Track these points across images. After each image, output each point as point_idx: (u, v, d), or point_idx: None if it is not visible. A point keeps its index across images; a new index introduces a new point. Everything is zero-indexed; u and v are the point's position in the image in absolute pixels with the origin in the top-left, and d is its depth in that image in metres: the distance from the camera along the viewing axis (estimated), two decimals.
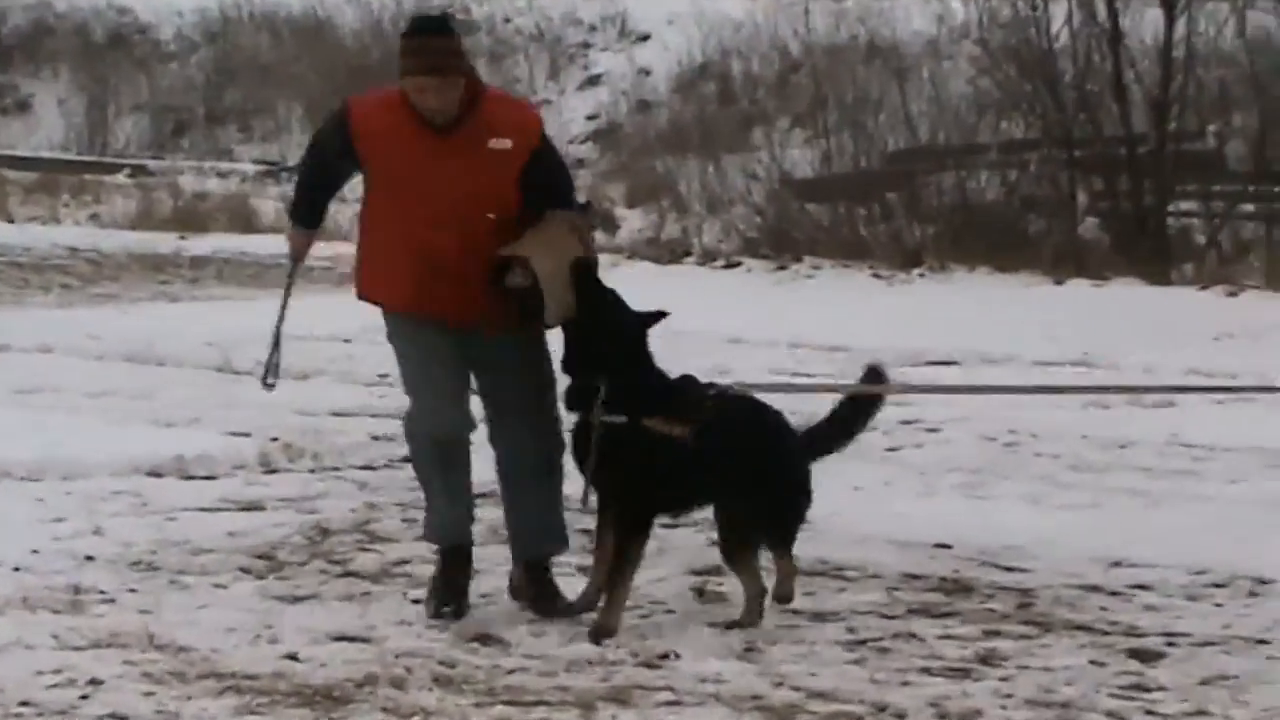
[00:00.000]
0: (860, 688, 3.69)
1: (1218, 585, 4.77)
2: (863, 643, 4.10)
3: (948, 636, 4.16)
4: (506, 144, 4.03)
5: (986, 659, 3.97)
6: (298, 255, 4.52)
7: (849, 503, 5.51)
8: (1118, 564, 4.96)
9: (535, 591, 4.24)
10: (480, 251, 4.00)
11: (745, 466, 4.10)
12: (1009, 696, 3.65)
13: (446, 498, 4.30)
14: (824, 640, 4.12)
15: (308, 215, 4.44)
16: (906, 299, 11.79)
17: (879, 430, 7.16)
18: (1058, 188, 13.81)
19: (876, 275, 12.74)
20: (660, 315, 4.13)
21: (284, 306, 4.54)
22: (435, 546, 4.38)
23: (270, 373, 4.58)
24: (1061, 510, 5.77)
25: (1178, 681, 3.85)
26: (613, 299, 4.06)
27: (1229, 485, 6.22)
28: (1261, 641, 4.22)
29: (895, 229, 13.77)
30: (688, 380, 4.16)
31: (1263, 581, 4.77)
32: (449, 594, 4.21)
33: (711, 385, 4.19)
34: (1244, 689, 3.80)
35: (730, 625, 4.14)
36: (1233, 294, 11.29)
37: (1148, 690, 3.81)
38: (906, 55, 15.60)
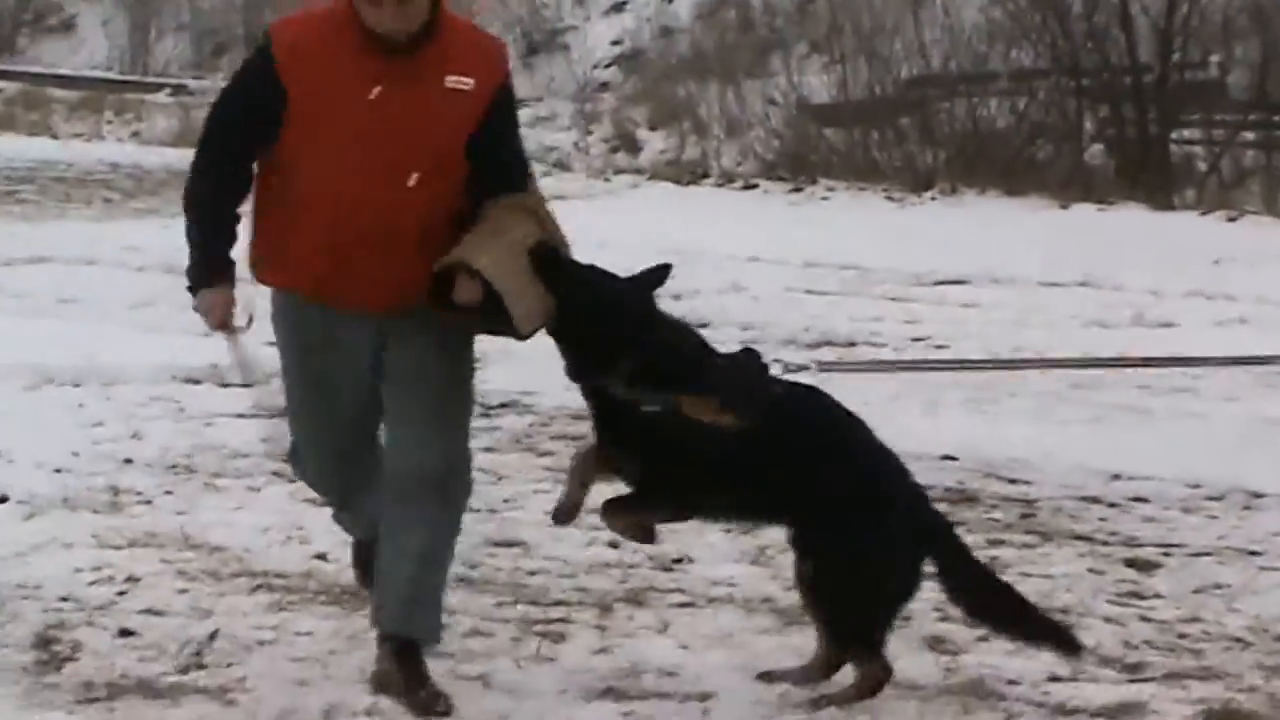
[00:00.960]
0: None
1: (1212, 498, 4.75)
2: None
3: None
4: (468, 83, 2.93)
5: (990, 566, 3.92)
6: (223, 323, 3.06)
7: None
8: (1117, 477, 4.92)
9: (405, 676, 2.99)
10: (416, 218, 2.92)
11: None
12: None
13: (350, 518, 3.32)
14: None
15: (215, 259, 2.99)
16: (918, 220, 11.65)
17: (889, 346, 7.20)
18: (1065, 115, 13.75)
19: (890, 198, 12.60)
20: (662, 270, 3.02)
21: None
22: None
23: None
24: (1064, 426, 5.69)
25: (1173, 590, 3.85)
26: (596, 276, 2.97)
27: (1224, 403, 6.13)
28: (1254, 553, 4.20)
29: (909, 154, 13.69)
30: (750, 355, 3.13)
31: (1256, 495, 4.75)
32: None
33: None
34: (1236, 597, 3.80)
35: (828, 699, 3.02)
36: (1232, 219, 11.20)
37: (1144, 598, 3.81)
38: None
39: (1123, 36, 13.28)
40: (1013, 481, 4.89)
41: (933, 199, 12.45)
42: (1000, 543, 4.19)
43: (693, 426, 2.88)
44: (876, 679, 3.00)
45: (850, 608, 2.99)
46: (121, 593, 3.60)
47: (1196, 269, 9.02)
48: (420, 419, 3.00)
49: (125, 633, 3.34)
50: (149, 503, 4.42)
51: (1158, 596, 3.79)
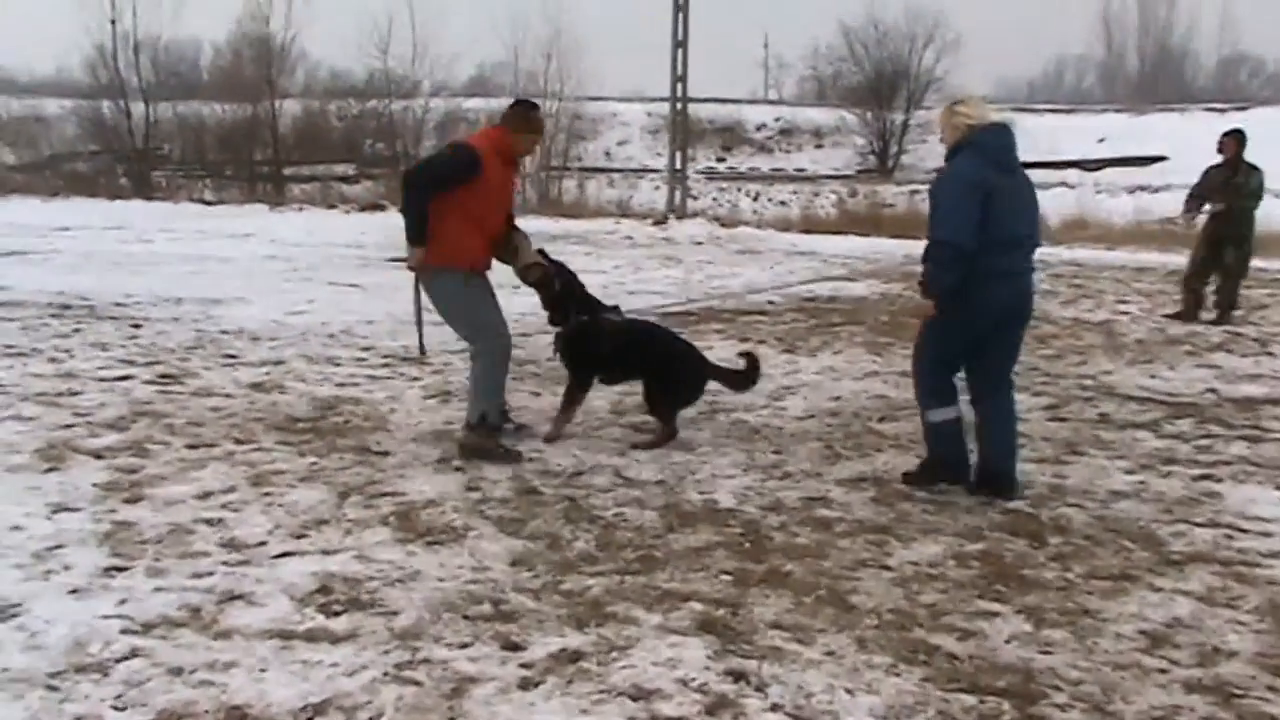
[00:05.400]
0: None
1: None
2: None
3: None
4: (516, 179, 6.59)
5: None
6: (420, 266, 6.16)
7: None
8: None
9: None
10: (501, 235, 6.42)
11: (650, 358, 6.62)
12: None
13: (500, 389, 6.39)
14: None
15: (421, 235, 6.07)
16: None
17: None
18: None
19: None
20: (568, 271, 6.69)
21: (418, 303, 6.38)
22: (488, 423, 6.27)
23: (421, 346, 6.93)
24: None
25: None
26: (562, 268, 6.65)
27: None
28: None
29: None
30: (614, 307, 6.80)
31: None
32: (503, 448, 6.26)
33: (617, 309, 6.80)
34: None
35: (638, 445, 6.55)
36: None
37: None
38: None
39: None
40: None
41: None
42: None
43: (598, 335, 6.53)
44: (670, 434, 6.55)
45: (663, 402, 6.59)
46: None
47: None
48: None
49: None
50: None
51: None
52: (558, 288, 6.54)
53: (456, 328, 6.40)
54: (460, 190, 6.04)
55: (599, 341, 6.51)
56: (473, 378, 6.33)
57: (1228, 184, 11.56)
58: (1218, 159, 11.73)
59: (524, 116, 6.30)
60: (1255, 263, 12.60)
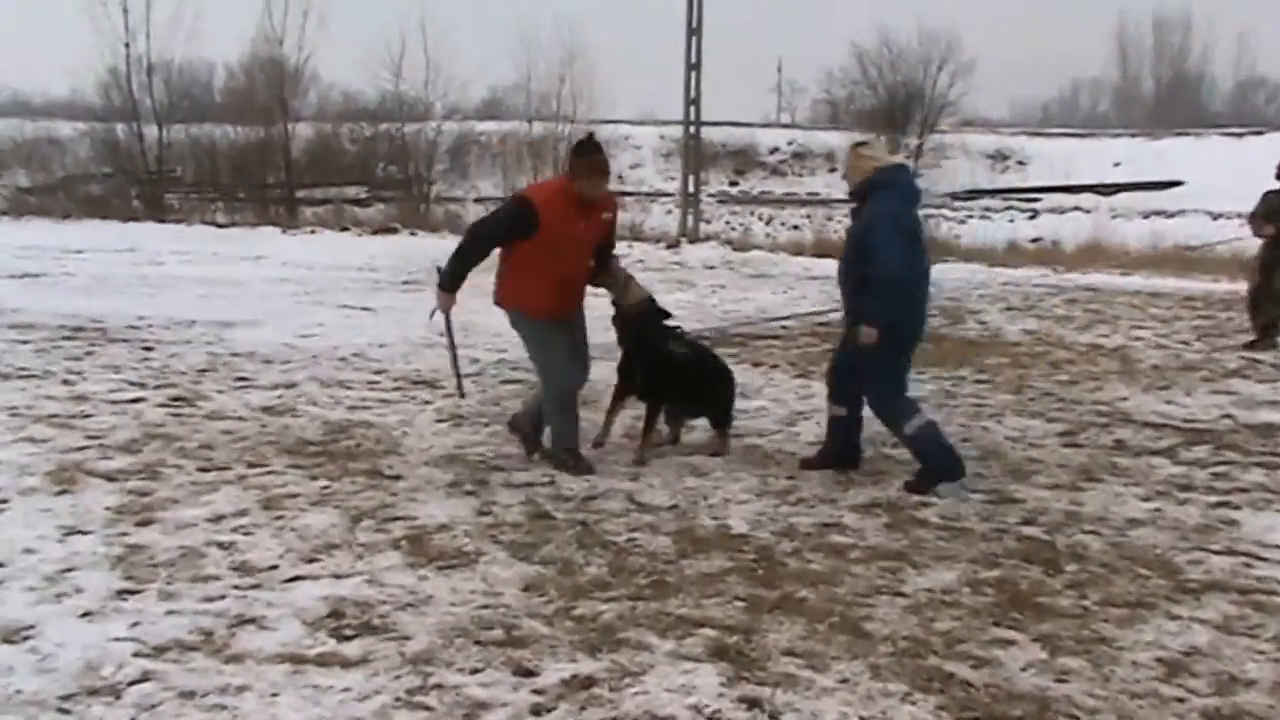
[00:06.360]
0: None
1: None
2: None
3: None
4: (608, 216, 6.40)
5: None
6: (446, 310, 6.30)
7: None
8: None
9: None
10: (584, 279, 6.44)
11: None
12: None
13: (572, 419, 6.55)
14: None
15: (455, 284, 6.15)
16: None
17: None
18: None
19: None
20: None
21: (453, 348, 6.72)
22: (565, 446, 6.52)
23: (460, 390, 6.97)
24: None
25: None
26: (656, 307, 6.85)
27: None
28: None
29: None
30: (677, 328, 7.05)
31: None
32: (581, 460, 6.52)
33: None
34: None
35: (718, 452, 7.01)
36: None
37: None
38: None
39: None
40: None
41: None
42: None
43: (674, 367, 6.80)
44: (727, 443, 7.06)
45: (726, 421, 7.14)
46: None
47: None
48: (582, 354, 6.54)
49: None
50: None
51: None
52: (646, 323, 6.72)
53: (532, 362, 6.66)
54: (522, 244, 6.11)
55: (674, 373, 6.76)
56: (542, 407, 6.58)
57: None
58: (1275, 185, 11.79)
59: (582, 162, 6.16)
60: None
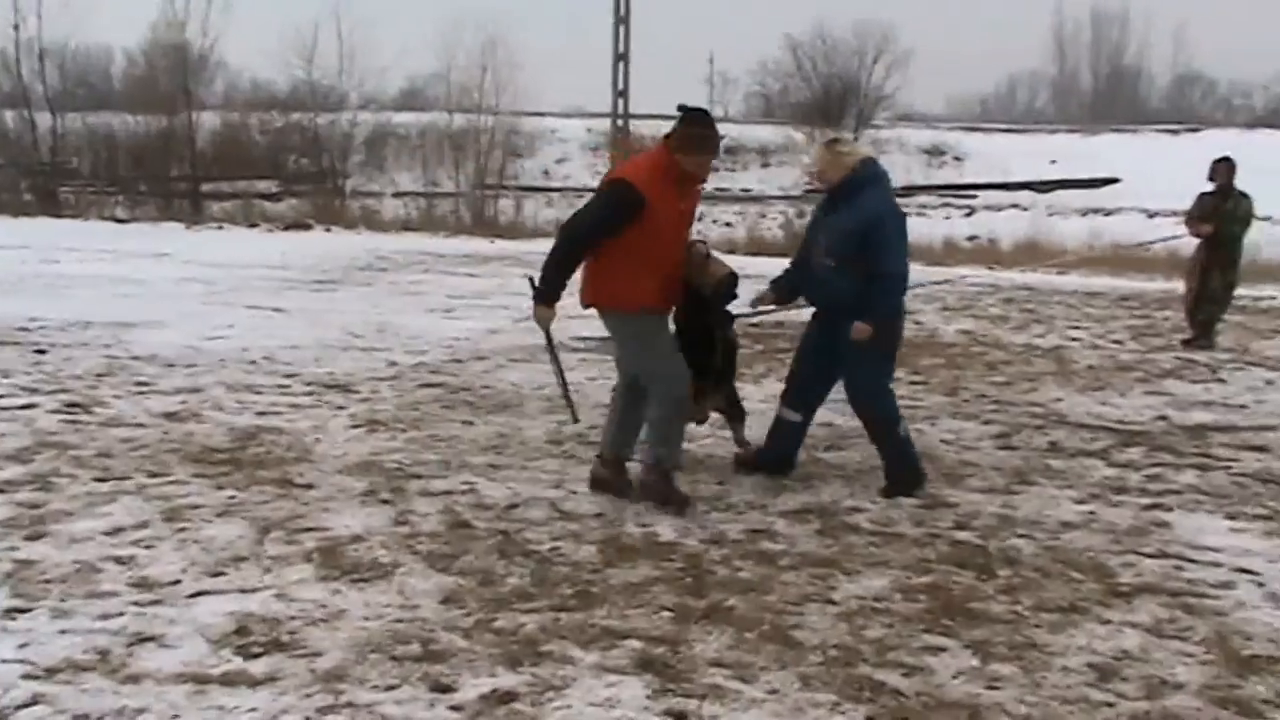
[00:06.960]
0: None
1: None
2: None
3: None
4: (699, 190, 6.09)
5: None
6: (546, 324, 5.93)
7: None
8: None
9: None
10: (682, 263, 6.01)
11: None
12: None
13: (682, 431, 6.14)
14: None
15: (556, 294, 5.80)
16: None
17: None
18: None
19: None
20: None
21: (558, 367, 6.35)
22: (662, 465, 6.01)
23: (574, 413, 6.47)
24: None
25: None
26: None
27: None
28: None
29: None
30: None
31: None
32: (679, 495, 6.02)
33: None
34: None
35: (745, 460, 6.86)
36: None
37: None
38: None
39: None
40: None
41: None
42: None
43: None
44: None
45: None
46: None
47: None
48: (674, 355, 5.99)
49: None
50: None
51: None
52: (725, 302, 6.39)
53: (631, 369, 6.15)
54: (628, 231, 5.67)
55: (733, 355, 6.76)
56: (649, 421, 6.08)
57: (1218, 210, 12.02)
58: (1208, 186, 12.17)
59: (695, 138, 5.78)
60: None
